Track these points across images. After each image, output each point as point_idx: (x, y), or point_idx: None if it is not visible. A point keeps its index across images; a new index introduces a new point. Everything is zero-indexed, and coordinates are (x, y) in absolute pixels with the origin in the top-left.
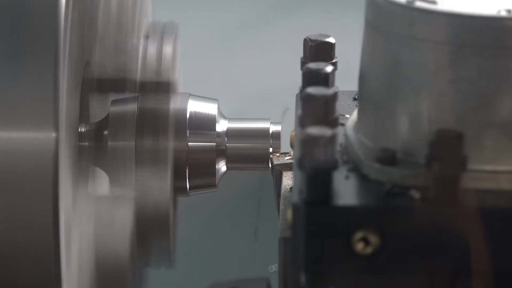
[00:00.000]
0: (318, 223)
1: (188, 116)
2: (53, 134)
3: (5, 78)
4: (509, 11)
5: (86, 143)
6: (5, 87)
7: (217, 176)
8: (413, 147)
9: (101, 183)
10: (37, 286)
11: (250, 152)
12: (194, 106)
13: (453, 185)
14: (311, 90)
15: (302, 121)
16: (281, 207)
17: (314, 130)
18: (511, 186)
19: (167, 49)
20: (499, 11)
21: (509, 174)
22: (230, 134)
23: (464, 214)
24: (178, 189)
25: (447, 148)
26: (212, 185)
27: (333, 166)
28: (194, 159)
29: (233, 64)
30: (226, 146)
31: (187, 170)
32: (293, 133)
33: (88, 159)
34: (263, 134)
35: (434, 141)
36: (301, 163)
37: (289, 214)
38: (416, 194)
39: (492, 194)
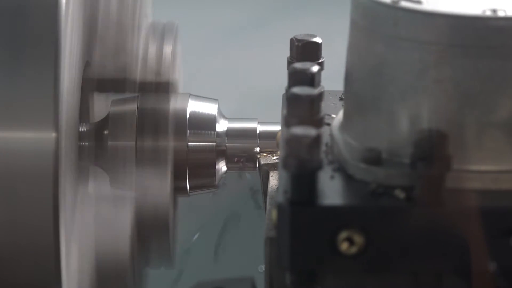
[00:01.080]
0: (302, 223)
1: (188, 116)
2: (53, 134)
3: (5, 78)
4: (494, 10)
5: (86, 143)
6: (5, 87)
7: (217, 176)
8: (398, 147)
9: (101, 183)
10: (37, 286)
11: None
12: (194, 106)
13: (438, 185)
14: (296, 90)
15: (287, 121)
16: (268, 206)
17: (298, 130)
18: (496, 186)
19: (167, 49)
20: (484, 11)
21: (494, 174)
22: (230, 134)
23: (449, 214)
24: (178, 189)
25: (432, 148)
26: (212, 185)
27: (318, 166)
28: (194, 159)
29: (233, 64)
30: (226, 146)
31: (187, 170)
32: (280, 133)
33: (88, 159)
34: (263, 134)
35: (419, 141)
36: (286, 163)
37: (274, 214)
38: (401, 194)
39: (477, 194)
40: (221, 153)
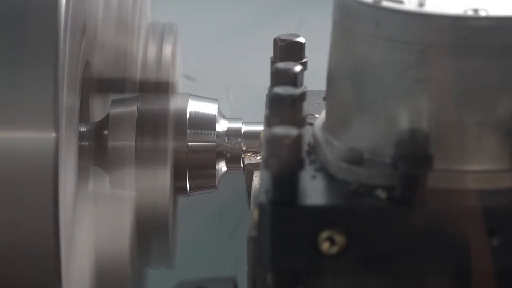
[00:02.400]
0: (283, 222)
1: (188, 116)
2: (53, 134)
3: (5, 78)
4: (476, 10)
5: (86, 143)
6: (5, 87)
7: (217, 176)
8: (380, 146)
9: (101, 183)
10: (37, 286)
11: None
12: (194, 106)
13: (419, 185)
14: (278, 89)
15: (269, 121)
16: (251, 206)
17: (280, 130)
18: (478, 186)
19: (167, 49)
20: (466, 11)
21: (476, 174)
22: (230, 134)
23: (431, 214)
24: (178, 189)
25: (413, 148)
26: (212, 186)
27: (299, 166)
28: (194, 159)
29: (234, 64)
30: (226, 146)
31: (187, 170)
32: (262, 133)
33: (88, 159)
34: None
35: (400, 140)
36: (267, 163)
37: (255, 214)
38: (382, 194)
39: (460, 194)
40: (221, 153)
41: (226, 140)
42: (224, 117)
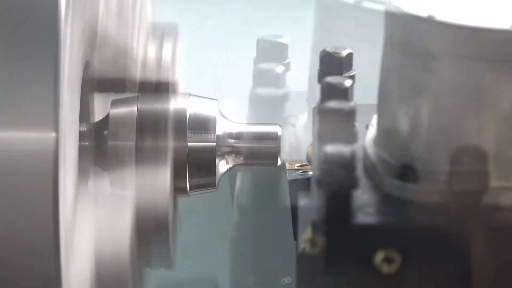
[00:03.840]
0: (339, 241)
1: (188, 116)
2: (53, 134)
3: (5, 78)
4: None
5: (86, 143)
6: (5, 87)
7: (217, 176)
8: (433, 162)
9: (101, 183)
10: (37, 287)
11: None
12: (194, 106)
13: (475, 201)
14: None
15: (321, 137)
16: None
17: (333, 149)
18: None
19: (167, 49)
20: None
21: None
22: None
23: (488, 229)
24: (178, 189)
25: (469, 163)
26: (212, 186)
27: (354, 184)
28: (194, 159)
29: (234, 64)
30: (226, 146)
31: (187, 170)
32: (310, 147)
33: (88, 159)
34: (263, 136)
35: (456, 156)
36: (320, 182)
37: (308, 233)
38: (435, 212)
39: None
40: (221, 153)
41: (226, 141)
42: (225, 117)
